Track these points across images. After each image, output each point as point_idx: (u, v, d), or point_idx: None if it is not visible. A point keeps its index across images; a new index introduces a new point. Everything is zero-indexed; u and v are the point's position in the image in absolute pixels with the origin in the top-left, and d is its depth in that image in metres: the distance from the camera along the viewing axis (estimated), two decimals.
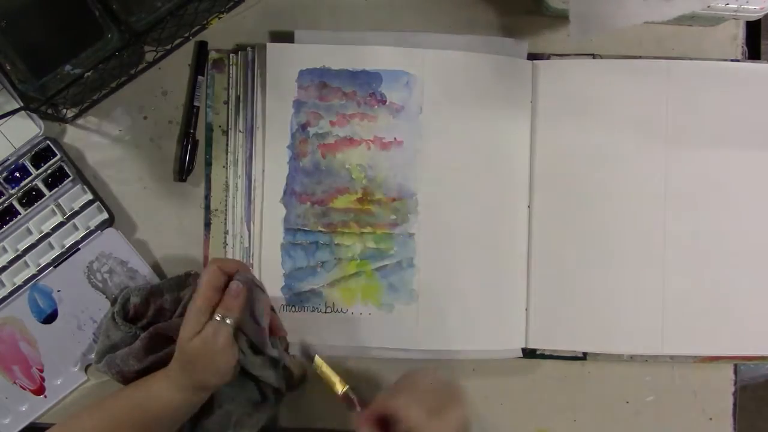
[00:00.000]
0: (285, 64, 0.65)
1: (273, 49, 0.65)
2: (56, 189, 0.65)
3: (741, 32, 0.68)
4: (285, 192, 0.65)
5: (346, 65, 0.65)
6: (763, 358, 0.67)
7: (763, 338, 0.66)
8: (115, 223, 0.66)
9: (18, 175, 0.65)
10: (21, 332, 0.65)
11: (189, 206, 0.67)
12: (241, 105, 0.66)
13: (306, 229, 0.65)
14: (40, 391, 0.65)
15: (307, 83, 0.65)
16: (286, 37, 0.66)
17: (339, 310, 0.65)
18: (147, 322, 0.64)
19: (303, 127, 0.65)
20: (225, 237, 0.67)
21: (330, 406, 0.66)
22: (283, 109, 0.65)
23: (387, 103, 0.65)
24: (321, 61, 0.65)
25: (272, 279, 0.65)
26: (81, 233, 0.65)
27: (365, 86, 0.65)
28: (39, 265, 0.65)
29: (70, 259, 0.65)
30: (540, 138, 0.66)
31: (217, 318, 0.55)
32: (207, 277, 0.56)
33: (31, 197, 0.65)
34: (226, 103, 0.67)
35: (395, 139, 0.65)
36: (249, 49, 0.66)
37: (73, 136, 0.67)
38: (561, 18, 0.66)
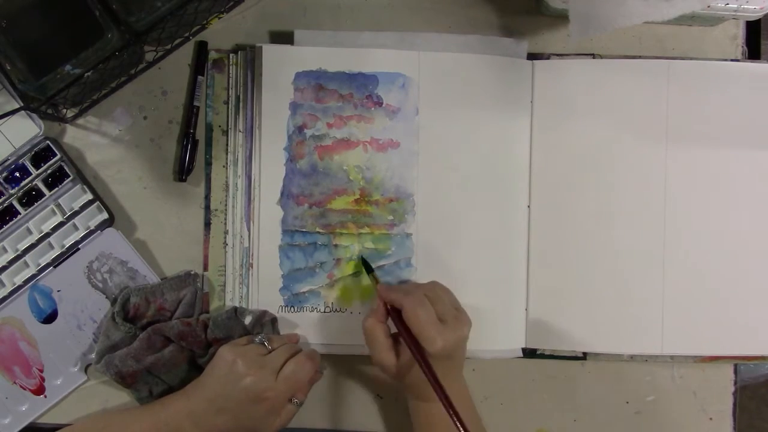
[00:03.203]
0: (281, 66, 0.65)
1: (269, 50, 0.65)
2: (56, 189, 0.65)
3: (741, 32, 0.68)
4: (282, 194, 0.65)
5: (343, 67, 0.65)
6: (763, 358, 0.67)
7: (763, 338, 0.66)
8: (115, 223, 0.66)
9: (18, 175, 0.65)
10: (21, 332, 0.65)
11: (189, 206, 0.67)
12: (240, 105, 0.67)
13: (304, 230, 0.65)
14: (40, 391, 0.65)
15: (304, 85, 0.65)
16: (286, 37, 0.66)
17: (338, 310, 0.66)
18: (147, 322, 0.64)
19: (300, 129, 0.65)
20: (225, 237, 0.67)
21: (337, 406, 0.67)
22: (279, 111, 0.65)
23: (383, 105, 0.65)
24: (317, 64, 0.65)
25: (271, 280, 0.65)
26: (81, 233, 0.65)
27: (362, 88, 0.65)
28: (39, 265, 0.65)
29: (70, 259, 0.65)
30: (539, 138, 0.66)
31: (296, 402, 0.60)
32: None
33: (31, 197, 0.65)
34: (226, 103, 0.67)
35: (392, 140, 0.65)
36: (249, 49, 0.66)
37: (73, 136, 0.67)
38: (561, 18, 0.66)
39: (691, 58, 0.67)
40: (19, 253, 0.65)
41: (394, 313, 0.58)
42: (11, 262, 0.65)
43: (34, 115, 0.64)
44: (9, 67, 0.56)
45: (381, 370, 0.59)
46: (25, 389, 0.65)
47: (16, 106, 0.63)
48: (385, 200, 0.65)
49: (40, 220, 0.65)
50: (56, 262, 0.65)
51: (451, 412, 0.53)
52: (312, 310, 0.65)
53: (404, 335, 0.57)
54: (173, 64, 0.67)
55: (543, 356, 0.67)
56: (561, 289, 0.66)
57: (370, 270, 0.64)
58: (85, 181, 0.66)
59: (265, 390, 0.57)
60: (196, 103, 0.66)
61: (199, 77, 0.66)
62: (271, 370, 0.58)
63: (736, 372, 0.68)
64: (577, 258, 0.66)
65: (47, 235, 0.65)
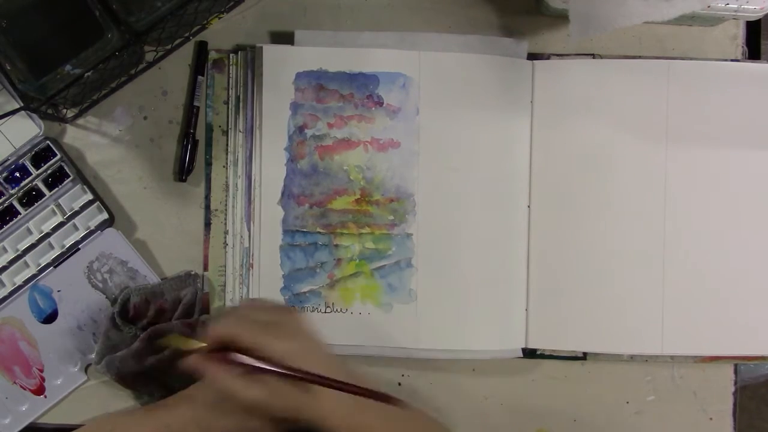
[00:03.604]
0: (282, 66, 0.65)
1: (269, 50, 0.65)
2: (56, 189, 0.65)
3: (741, 32, 0.68)
4: (283, 194, 0.65)
5: (343, 67, 0.65)
6: (763, 358, 0.67)
7: (763, 338, 0.66)
8: (115, 223, 0.66)
9: (18, 175, 0.65)
10: (21, 332, 0.65)
11: (189, 206, 0.67)
12: (241, 105, 0.67)
13: (304, 230, 0.65)
14: (40, 391, 0.65)
15: (304, 85, 0.65)
16: (286, 37, 0.66)
17: (338, 310, 0.66)
18: (147, 323, 0.64)
19: (300, 129, 0.65)
20: (225, 237, 0.67)
21: None
22: (280, 111, 0.65)
23: (384, 105, 0.65)
24: (318, 64, 0.65)
25: (271, 280, 0.65)
26: (81, 233, 0.65)
27: (362, 88, 0.65)
28: (39, 265, 0.65)
29: (70, 259, 0.65)
30: (539, 138, 0.66)
31: None
32: None
33: (31, 197, 0.65)
34: (226, 103, 0.67)
35: (392, 140, 0.65)
36: (249, 49, 0.66)
37: (73, 136, 0.67)
38: (561, 18, 0.66)
39: (691, 58, 0.67)
40: (19, 253, 0.65)
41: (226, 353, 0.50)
42: (11, 262, 0.65)
43: (34, 115, 0.64)
44: (9, 67, 0.56)
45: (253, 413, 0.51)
46: (25, 389, 0.65)
47: (16, 106, 0.63)
48: (386, 200, 0.65)
49: (40, 220, 0.65)
50: (56, 262, 0.65)
51: (357, 390, 0.48)
52: (313, 310, 0.65)
53: (257, 361, 0.49)
54: (173, 64, 0.67)
55: (543, 356, 0.67)
56: (561, 289, 0.66)
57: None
58: (85, 181, 0.66)
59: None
60: (196, 103, 0.66)
61: (199, 77, 0.66)
62: None
63: (736, 372, 0.68)
64: (577, 258, 0.66)
65: (47, 235, 0.65)
